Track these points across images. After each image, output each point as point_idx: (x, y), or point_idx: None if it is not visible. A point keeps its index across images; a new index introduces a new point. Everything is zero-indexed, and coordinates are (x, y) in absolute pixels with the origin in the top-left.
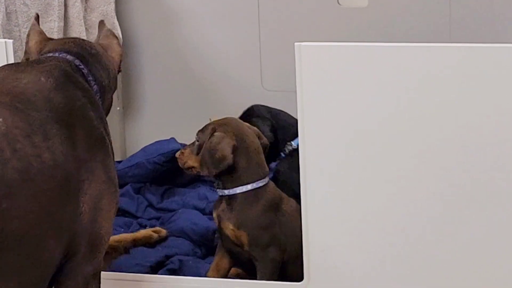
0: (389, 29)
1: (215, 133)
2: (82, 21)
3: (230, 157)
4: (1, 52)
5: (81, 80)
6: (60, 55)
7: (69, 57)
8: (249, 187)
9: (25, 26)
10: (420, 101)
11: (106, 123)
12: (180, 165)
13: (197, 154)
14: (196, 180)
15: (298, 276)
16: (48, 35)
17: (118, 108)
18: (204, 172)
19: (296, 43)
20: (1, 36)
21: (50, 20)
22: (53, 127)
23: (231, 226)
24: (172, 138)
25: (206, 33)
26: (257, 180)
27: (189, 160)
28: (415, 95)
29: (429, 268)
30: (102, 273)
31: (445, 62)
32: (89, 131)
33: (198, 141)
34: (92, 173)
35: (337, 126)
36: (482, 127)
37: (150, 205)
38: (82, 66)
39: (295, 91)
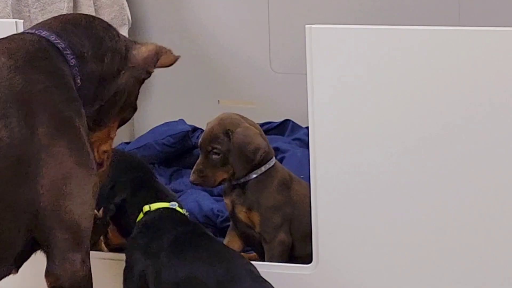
0: (399, 11)
1: (237, 130)
2: (92, 1)
3: (264, 144)
4: (11, 32)
5: (50, 60)
6: (36, 31)
7: (44, 32)
8: (262, 169)
9: (34, 7)
10: (430, 84)
11: (80, 102)
12: (210, 186)
13: (223, 165)
14: None
15: (308, 257)
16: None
17: None
18: (241, 174)
19: (307, 26)
20: (11, 17)
21: (60, 1)
22: (12, 107)
23: (244, 209)
24: (181, 119)
25: (215, 14)
26: (267, 162)
27: (218, 177)
28: (424, 78)
29: (438, 253)
30: (96, 252)
31: (454, 45)
32: (52, 115)
33: (218, 153)
34: (54, 157)
35: (347, 109)
36: (493, 112)
37: None
38: (57, 41)
39: (304, 74)
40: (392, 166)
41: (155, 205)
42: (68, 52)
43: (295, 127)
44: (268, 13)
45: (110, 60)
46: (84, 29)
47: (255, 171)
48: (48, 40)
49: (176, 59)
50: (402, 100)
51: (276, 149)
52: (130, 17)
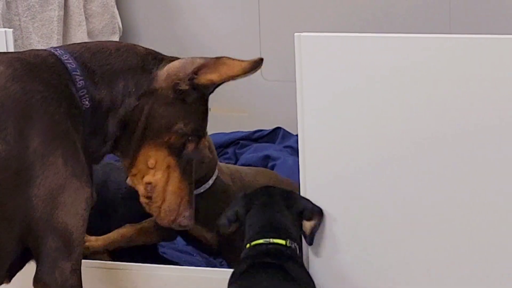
0: (389, 20)
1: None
2: (82, 10)
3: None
4: (1, 41)
5: (52, 74)
6: (52, 49)
7: (59, 51)
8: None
9: (25, 15)
10: (420, 92)
11: (79, 122)
12: None
13: None
14: None
15: None
16: (48, 24)
17: None
18: None
19: (295, 34)
20: (1, 25)
21: (50, 9)
22: (8, 117)
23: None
24: None
25: (206, 23)
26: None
27: None
28: (414, 86)
29: (433, 261)
30: (85, 260)
31: (445, 53)
32: (48, 126)
33: None
34: (49, 168)
35: (336, 116)
36: (483, 119)
37: None
38: (69, 61)
39: (295, 81)
40: (382, 172)
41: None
42: (78, 73)
43: (286, 134)
44: (259, 22)
45: (122, 88)
46: (101, 56)
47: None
48: (58, 58)
49: (250, 64)
50: (392, 108)
51: (267, 157)
52: (121, 26)
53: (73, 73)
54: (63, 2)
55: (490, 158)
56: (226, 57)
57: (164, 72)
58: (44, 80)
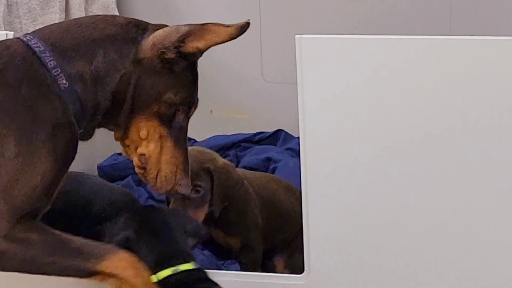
0: (390, 21)
1: (217, 166)
2: (83, 12)
3: (242, 179)
4: None
5: (12, 60)
6: (18, 37)
7: (27, 37)
8: None
9: (26, 18)
10: (420, 94)
11: (56, 103)
12: None
13: (203, 204)
14: None
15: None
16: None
17: None
18: (219, 209)
19: (296, 36)
20: (2, 28)
21: (51, 12)
22: None
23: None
24: None
25: None
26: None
27: (199, 218)
28: (415, 88)
29: (431, 262)
30: None
31: (445, 55)
32: None
33: (199, 191)
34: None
35: (338, 118)
36: (483, 120)
37: (151, 197)
38: (37, 44)
39: (296, 83)
40: (384, 175)
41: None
42: (47, 54)
43: (287, 137)
44: (260, 23)
45: (101, 59)
46: (74, 31)
47: None
48: (25, 44)
49: (236, 29)
50: (393, 109)
51: (269, 159)
52: None
53: (42, 55)
54: (64, 4)
55: (490, 158)
56: (212, 23)
57: (150, 41)
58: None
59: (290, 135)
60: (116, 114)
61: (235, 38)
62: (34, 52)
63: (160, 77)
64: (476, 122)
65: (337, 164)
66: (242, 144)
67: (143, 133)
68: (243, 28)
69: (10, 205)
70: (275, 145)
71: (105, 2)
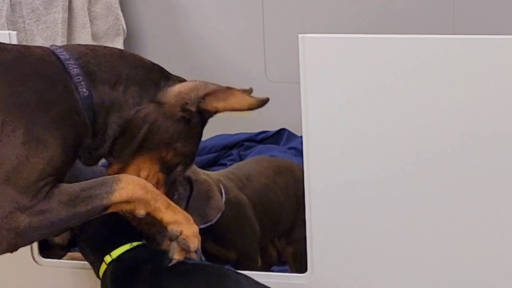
0: (393, 20)
1: (198, 179)
2: (87, 12)
3: (221, 203)
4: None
5: (34, 61)
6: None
7: (53, 47)
8: None
9: (29, 18)
10: (424, 93)
11: (73, 106)
12: None
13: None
14: (212, 164)
15: None
16: (52, 26)
17: None
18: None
19: (299, 35)
20: (6, 28)
21: (55, 12)
22: None
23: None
24: None
25: (210, 25)
26: None
27: None
28: (418, 87)
29: (434, 262)
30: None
31: (449, 54)
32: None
33: (174, 195)
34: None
35: (341, 118)
36: (486, 120)
37: None
38: (63, 53)
39: (299, 83)
40: (386, 175)
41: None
42: (71, 62)
43: (291, 136)
44: (263, 23)
45: (122, 89)
46: (100, 53)
47: None
48: (51, 51)
49: (257, 101)
50: (396, 109)
51: None
52: (125, 28)
53: (66, 62)
54: (67, 4)
55: (497, 162)
56: (237, 90)
57: (176, 89)
58: (6, 58)
59: (293, 134)
60: (123, 147)
61: (253, 109)
62: (59, 58)
63: (176, 125)
64: (481, 122)
65: (341, 164)
66: (245, 143)
67: (143, 174)
68: (263, 102)
69: (21, 187)
70: (278, 144)
71: (108, 2)
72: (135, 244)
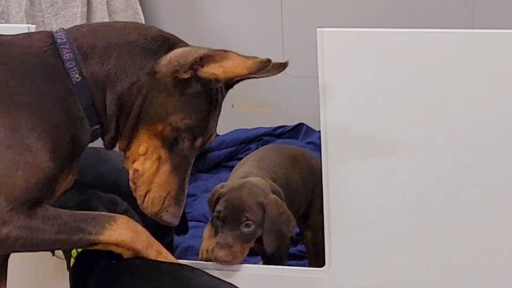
0: (412, 15)
1: (270, 201)
2: (105, 6)
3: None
4: None
5: (27, 49)
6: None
7: (55, 30)
8: None
9: (48, 12)
10: (442, 87)
11: (65, 94)
12: (235, 264)
13: (248, 241)
14: (218, 165)
15: None
16: (71, 20)
17: None
18: (272, 249)
19: (318, 29)
20: (25, 22)
21: (73, 6)
22: None
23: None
24: None
25: (229, 19)
26: None
27: (245, 253)
28: (436, 82)
29: (451, 259)
30: None
31: (467, 48)
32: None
33: (250, 226)
34: None
35: (359, 113)
36: (507, 115)
37: None
38: (61, 36)
39: (317, 77)
40: (404, 169)
41: None
42: (66, 46)
43: (309, 130)
44: (282, 17)
45: (113, 64)
46: (99, 32)
47: None
48: (50, 35)
49: (256, 63)
50: (415, 104)
51: None
52: (144, 22)
53: (61, 46)
54: None
55: None
56: (233, 52)
57: (167, 57)
58: (10, 54)
59: (312, 129)
60: (123, 123)
61: (254, 73)
62: (55, 43)
63: (169, 96)
64: (500, 116)
65: (359, 158)
66: (264, 137)
67: (142, 149)
68: (263, 64)
69: (6, 195)
70: (296, 138)
71: None
72: None
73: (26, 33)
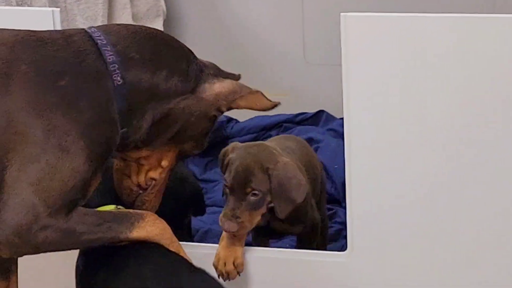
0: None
1: (277, 166)
2: None
3: (304, 180)
4: (48, 21)
5: (61, 47)
6: (86, 28)
7: (91, 29)
8: None
9: None
10: (466, 73)
11: (103, 95)
12: (244, 233)
13: (260, 207)
14: None
15: None
16: (93, 6)
17: None
18: (284, 214)
19: (341, 14)
20: (47, 6)
21: None
22: None
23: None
24: None
25: (249, 5)
26: None
27: (255, 222)
28: (459, 66)
29: (473, 241)
30: None
31: (489, 33)
32: (30, 98)
33: (257, 194)
34: (22, 134)
35: (383, 99)
36: None
37: (194, 176)
38: (101, 37)
39: (338, 65)
40: (428, 156)
41: None
42: (108, 48)
43: (329, 117)
44: (302, 4)
45: (164, 77)
46: (142, 37)
47: None
48: (88, 34)
49: (272, 105)
50: (439, 90)
51: (310, 139)
52: (165, 9)
53: (103, 48)
54: None
55: None
56: (261, 94)
57: (216, 88)
58: (40, 51)
59: (332, 116)
60: (155, 135)
61: (264, 110)
62: (96, 44)
63: (208, 122)
64: None
65: (381, 143)
66: (284, 124)
67: (164, 163)
68: (275, 105)
69: (43, 199)
70: (316, 125)
71: None
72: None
73: (63, 31)
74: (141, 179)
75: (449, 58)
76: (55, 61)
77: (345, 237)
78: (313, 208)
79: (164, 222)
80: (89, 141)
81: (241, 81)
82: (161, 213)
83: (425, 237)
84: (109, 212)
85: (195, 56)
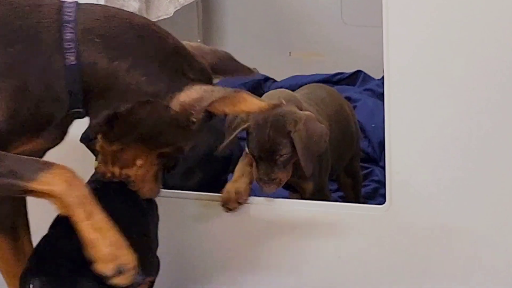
0: None
1: (297, 128)
2: None
3: (324, 128)
4: None
5: (23, 17)
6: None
7: (67, 4)
8: None
9: None
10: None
11: (46, 71)
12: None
13: (286, 165)
14: None
15: None
16: None
17: (198, 40)
18: (310, 171)
19: None
20: None
21: None
22: None
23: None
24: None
25: None
26: None
27: (288, 177)
28: (505, 27)
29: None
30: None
31: None
32: None
33: (284, 157)
34: None
35: (424, 61)
36: None
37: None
38: (69, 12)
39: (375, 26)
40: (467, 114)
41: None
42: (70, 25)
43: (367, 78)
44: None
45: (125, 68)
46: (117, 24)
47: None
48: (60, 7)
49: (265, 107)
50: (482, 52)
51: (348, 98)
52: None
53: (65, 24)
54: None
55: None
56: (246, 93)
57: (181, 99)
58: (4, 17)
59: (370, 76)
60: (121, 129)
61: (264, 112)
62: (61, 19)
63: (180, 130)
64: None
65: (420, 102)
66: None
67: (139, 162)
68: (276, 106)
69: None
70: (353, 85)
71: None
72: None
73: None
74: (116, 171)
75: (496, 20)
76: (12, 27)
77: (382, 195)
78: (324, 169)
79: (79, 180)
80: (17, 105)
81: (277, 41)
82: (204, 171)
83: (464, 191)
84: (23, 157)
85: (189, 60)
